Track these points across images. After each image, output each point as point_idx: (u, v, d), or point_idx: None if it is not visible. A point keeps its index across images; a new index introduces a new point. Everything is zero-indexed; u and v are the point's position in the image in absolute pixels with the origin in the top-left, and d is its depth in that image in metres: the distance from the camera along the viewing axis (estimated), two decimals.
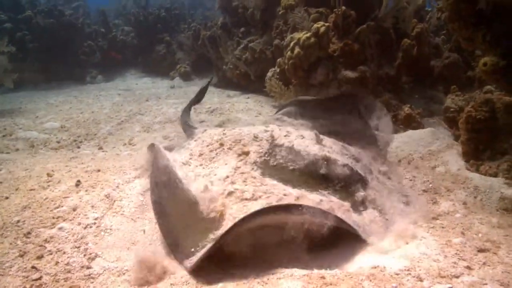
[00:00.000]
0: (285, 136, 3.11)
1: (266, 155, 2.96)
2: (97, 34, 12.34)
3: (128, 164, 3.87)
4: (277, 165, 2.89)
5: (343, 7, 6.30)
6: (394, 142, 4.78)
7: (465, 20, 3.89)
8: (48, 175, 3.46)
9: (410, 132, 4.98)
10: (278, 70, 7.10)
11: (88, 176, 3.47)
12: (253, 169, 2.87)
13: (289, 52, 6.19)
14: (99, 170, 3.63)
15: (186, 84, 10.44)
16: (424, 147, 4.46)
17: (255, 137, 3.14)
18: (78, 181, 3.30)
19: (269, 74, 7.17)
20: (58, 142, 5.42)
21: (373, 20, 6.63)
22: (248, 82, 8.92)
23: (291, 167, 2.86)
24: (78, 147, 5.23)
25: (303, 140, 3.06)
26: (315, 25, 6.13)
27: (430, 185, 3.47)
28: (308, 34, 6.01)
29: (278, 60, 7.15)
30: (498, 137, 3.66)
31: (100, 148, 5.00)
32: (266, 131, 3.23)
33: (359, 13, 6.54)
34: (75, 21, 11.54)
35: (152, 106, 6.70)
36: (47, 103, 7.96)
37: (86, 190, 3.16)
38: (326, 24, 6.13)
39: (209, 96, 8.33)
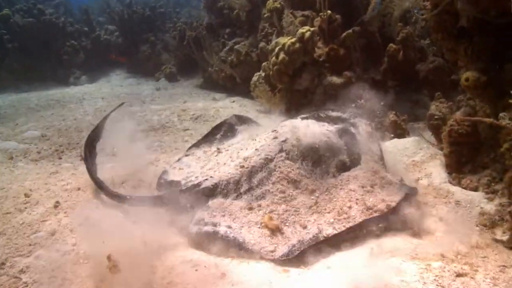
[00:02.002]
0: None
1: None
2: (80, 33, 12.05)
3: (110, 180, 3.79)
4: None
5: (329, 11, 6.27)
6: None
7: (448, 32, 3.91)
8: (26, 195, 3.37)
9: (395, 141, 5.00)
10: (263, 74, 7.05)
11: (68, 195, 3.39)
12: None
13: (273, 58, 6.13)
14: (79, 189, 3.55)
15: (171, 85, 10.31)
16: (408, 157, 4.49)
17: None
18: (57, 202, 3.22)
19: (254, 78, 7.11)
20: (39, 152, 5.28)
21: (359, 24, 6.62)
22: (234, 84, 8.85)
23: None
24: (60, 158, 5.10)
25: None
26: (300, 30, 6.08)
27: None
28: (293, 40, 5.96)
29: (263, 64, 7.09)
30: (480, 151, 3.69)
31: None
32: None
33: (345, 17, 6.52)
34: (57, 20, 11.23)
35: (135, 113, 6.57)
36: (28, 108, 7.77)
37: (65, 212, 3.09)
38: (312, 29, 6.08)
39: (194, 99, 8.27)
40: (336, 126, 3.77)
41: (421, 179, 3.97)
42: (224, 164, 3.41)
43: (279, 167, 3.16)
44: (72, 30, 11.96)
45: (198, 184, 3.15)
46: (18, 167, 4.52)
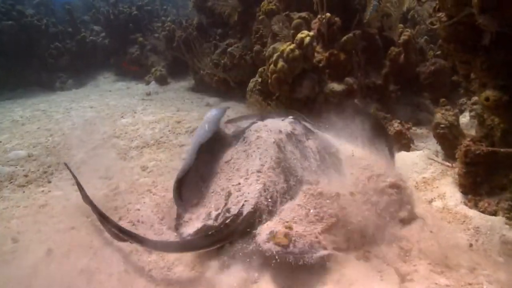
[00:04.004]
0: None
1: None
2: (64, 35, 11.53)
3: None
4: None
5: (328, 14, 5.98)
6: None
7: (463, 43, 3.68)
8: (13, 240, 3.08)
9: (402, 154, 4.79)
10: (259, 80, 6.77)
11: (61, 238, 3.11)
12: None
13: (272, 66, 5.84)
14: (73, 228, 3.27)
15: (162, 89, 9.95)
16: (419, 174, 4.30)
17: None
18: (49, 249, 2.94)
19: (251, 85, 6.82)
20: (26, 175, 4.95)
21: (357, 25, 6.36)
22: (228, 88, 8.55)
23: None
24: (49, 182, 4.79)
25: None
26: (299, 35, 5.79)
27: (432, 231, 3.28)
28: (292, 46, 5.67)
29: (260, 70, 6.80)
30: (497, 171, 3.51)
31: (74, 184, 4.54)
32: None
33: (343, 19, 6.25)
34: (39, 22, 10.69)
35: (127, 127, 6.24)
36: (12, 120, 7.36)
37: (59, 262, 2.81)
38: (311, 33, 5.79)
39: (188, 106, 7.95)
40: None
41: (435, 200, 3.78)
42: (242, 183, 3.18)
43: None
44: (56, 31, 11.42)
45: (239, 214, 2.85)
46: (4, 198, 4.19)
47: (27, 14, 10.63)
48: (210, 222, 2.91)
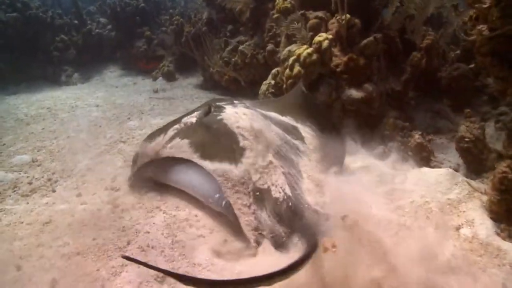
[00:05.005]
0: None
1: None
2: (70, 27, 11.23)
3: (111, 236, 3.32)
4: None
5: (348, 15, 5.64)
6: (407, 183, 4.37)
7: (501, 58, 3.39)
8: (17, 267, 2.89)
9: (425, 170, 4.51)
10: (273, 83, 6.48)
11: (66, 266, 2.91)
12: None
13: (287, 70, 5.55)
14: (78, 253, 3.07)
15: (170, 85, 9.67)
16: (443, 195, 4.02)
17: None
18: (54, 279, 2.74)
19: (263, 87, 6.53)
20: (30, 183, 4.76)
21: (378, 28, 6.03)
22: (238, 87, 8.27)
23: None
24: (54, 191, 4.59)
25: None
26: (317, 38, 5.49)
27: (461, 261, 3.05)
28: (309, 50, 5.37)
29: (273, 71, 6.51)
30: None
31: (79, 195, 4.36)
32: None
33: (362, 20, 5.91)
34: (44, 15, 10.40)
35: (134, 130, 6.00)
36: (16, 119, 7.15)
37: None
38: (329, 36, 5.49)
39: (197, 106, 7.68)
40: None
41: (462, 227, 3.52)
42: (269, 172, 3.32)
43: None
44: (62, 23, 11.12)
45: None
46: (7, 212, 4.00)
47: (32, 6, 10.33)
48: None
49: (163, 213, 3.72)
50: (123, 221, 3.61)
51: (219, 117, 3.72)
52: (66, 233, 3.44)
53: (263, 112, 4.22)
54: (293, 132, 4.18)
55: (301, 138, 4.14)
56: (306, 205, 3.15)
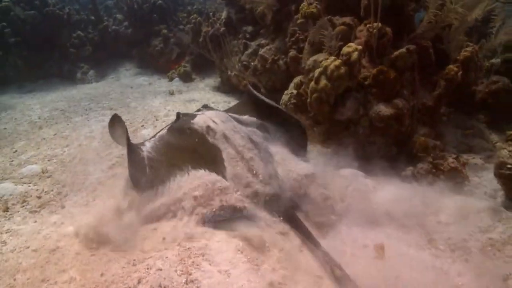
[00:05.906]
0: None
1: None
2: (86, 24, 11.05)
3: (120, 272, 3.06)
4: None
5: (379, 24, 5.21)
6: (441, 214, 3.98)
7: None
8: None
9: (461, 201, 4.10)
10: (295, 93, 6.11)
11: None
12: None
13: (312, 83, 5.17)
14: None
15: (186, 87, 9.39)
16: (483, 233, 3.62)
17: None
18: None
19: (285, 97, 6.16)
20: (39, 197, 4.57)
21: (411, 39, 5.57)
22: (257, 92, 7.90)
23: None
24: (63, 207, 4.39)
25: None
26: (346, 49, 5.08)
27: None
28: (337, 62, 4.97)
29: (296, 80, 6.14)
30: None
31: (88, 213, 4.12)
32: None
33: (394, 27, 5.47)
34: (61, 12, 10.23)
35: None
36: (29, 122, 7.00)
37: None
38: (359, 47, 5.07)
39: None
40: None
41: (509, 279, 3.12)
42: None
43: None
44: (78, 19, 10.95)
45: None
46: (13, 233, 3.80)
47: (49, 2, 10.17)
48: None
49: (177, 245, 3.44)
50: (135, 253, 3.35)
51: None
52: (73, 265, 3.20)
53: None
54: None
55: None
56: None
